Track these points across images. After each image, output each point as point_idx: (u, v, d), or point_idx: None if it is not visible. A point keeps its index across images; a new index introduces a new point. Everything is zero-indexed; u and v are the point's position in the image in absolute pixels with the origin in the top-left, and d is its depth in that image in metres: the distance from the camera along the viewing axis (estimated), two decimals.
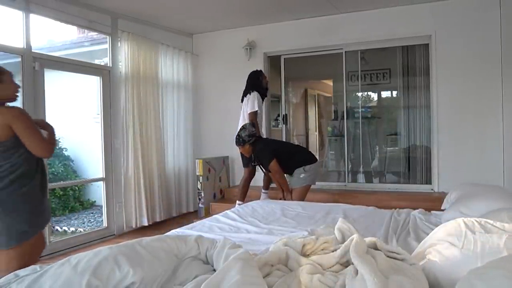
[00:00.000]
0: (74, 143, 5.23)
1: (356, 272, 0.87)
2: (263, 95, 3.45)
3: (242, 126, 2.99)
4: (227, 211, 2.07)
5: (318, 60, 4.41)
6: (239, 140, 2.88)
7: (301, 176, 2.82)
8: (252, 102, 3.31)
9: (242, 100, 3.47)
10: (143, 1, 3.31)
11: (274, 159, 2.77)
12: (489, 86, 3.34)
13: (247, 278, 0.82)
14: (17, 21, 2.79)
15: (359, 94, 4.68)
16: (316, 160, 2.96)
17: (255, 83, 3.43)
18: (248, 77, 3.50)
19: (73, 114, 5.08)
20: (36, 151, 1.58)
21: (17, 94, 1.65)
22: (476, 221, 0.99)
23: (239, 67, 4.27)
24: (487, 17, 3.32)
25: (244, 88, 3.52)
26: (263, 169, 3.05)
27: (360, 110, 4.50)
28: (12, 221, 1.55)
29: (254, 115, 3.31)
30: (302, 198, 2.82)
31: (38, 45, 3.28)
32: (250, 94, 3.37)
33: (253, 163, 3.10)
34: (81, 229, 4.30)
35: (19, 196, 1.55)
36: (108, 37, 3.53)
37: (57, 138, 1.77)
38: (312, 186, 2.95)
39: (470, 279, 0.73)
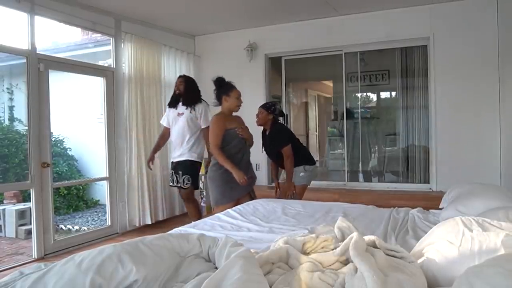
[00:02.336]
0: (78, 143, 5.27)
1: (356, 270, 0.87)
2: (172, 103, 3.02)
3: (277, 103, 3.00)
4: (229, 210, 2.08)
5: (318, 61, 4.44)
6: (271, 108, 2.81)
7: (300, 175, 2.82)
8: None
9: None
10: (146, 3, 3.34)
11: (290, 144, 2.76)
12: (486, 86, 3.37)
13: (248, 275, 0.83)
14: (22, 23, 2.83)
15: (359, 94, 4.70)
16: (315, 162, 2.99)
17: None
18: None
19: (77, 115, 5.12)
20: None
21: (238, 108, 2.52)
22: (474, 220, 1.00)
23: (240, 68, 4.30)
24: (484, 19, 3.34)
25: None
26: (268, 152, 2.94)
27: (359, 111, 4.52)
28: (213, 191, 2.46)
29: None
30: (301, 197, 2.82)
31: (43, 47, 3.32)
32: None
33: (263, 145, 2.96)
34: (85, 228, 4.34)
35: (218, 175, 2.42)
36: (111, 38, 3.56)
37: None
38: (313, 185, 2.96)
39: (467, 277, 0.74)
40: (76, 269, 0.90)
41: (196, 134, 2.97)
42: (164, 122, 3.13)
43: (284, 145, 2.74)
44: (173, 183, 3.02)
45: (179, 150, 2.96)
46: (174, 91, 3.04)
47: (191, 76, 3.18)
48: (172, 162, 3.05)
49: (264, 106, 2.87)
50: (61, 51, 4.78)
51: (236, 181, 2.36)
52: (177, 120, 2.95)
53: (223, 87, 2.47)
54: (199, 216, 2.93)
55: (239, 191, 2.46)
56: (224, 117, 2.48)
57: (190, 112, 2.92)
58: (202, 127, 2.93)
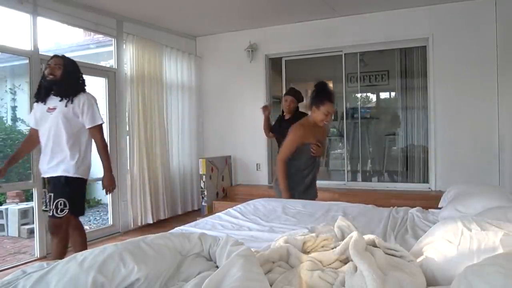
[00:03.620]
0: None
1: (356, 268, 0.88)
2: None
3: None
4: (230, 209, 2.09)
5: (318, 62, 4.46)
6: (300, 96, 2.88)
7: None
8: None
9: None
10: (147, 4, 3.36)
11: None
12: (484, 87, 3.39)
13: (249, 274, 0.83)
14: (25, 24, 2.85)
15: (358, 95, 4.72)
16: None
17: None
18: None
19: None
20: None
21: (322, 124, 2.25)
22: (473, 219, 1.00)
23: (241, 69, 4.34)
24: (483, 20, 3.36)
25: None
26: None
27: (359, 111, 4.54)
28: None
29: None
30: None
31: (45, 48, 3.34)
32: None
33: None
34: (87, 227, 4.36)
35: (278, 190, 2.37)
36: (113, 39, 3.59)
37: None
38: None
39: (466, 275, 0.74)
40: (78, 268, 0.90)
41: (77, 138, 2.09)
42: (31, 122, 2.19)
43: None
44: (46, 207, 2.13)
45: (50, 161, 2.06)
46: (44, 77, 2.11)
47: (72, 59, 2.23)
48: (43, 178, 2.17)
49: (295, 95, 2.91)
50: (63, 52, 4.77)
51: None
52: (47, 118, 2.06)
53: (318, 97, 2.22)
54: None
55: None
56: (304, 129, 2.25)
57: (66, 106, 2.04)
58: (87, 127, 2.10)
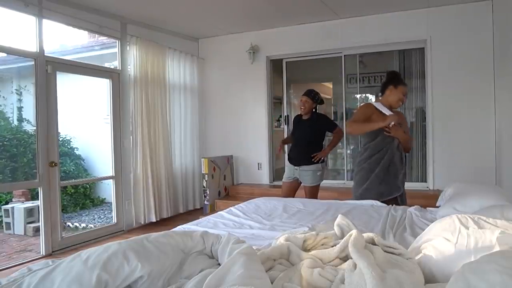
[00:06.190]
0: (85, 143, 5.35)
1: (355, 266, 0.89)
2: None
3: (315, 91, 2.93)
4: (231, 208, 2.10)
5: (318, 63, 4.47)
6: (315, 97, 2.88)
7: (318, 174, 2.82)
8: None
9: None
10: (151, 7, 3.39)
11: None
12: (482, 88, 3.39)
13: (250, 271, 0.84)
14: (31, 26, 2.89)
15: (358, 96, 4.72)
16: None
17: None
18: None
19: (84, 115, 5.20)
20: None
21: (398, 104, 2.17)
22: (470, 217, 1.02)
23: (243, 70, 4.37)
24: (480, 22, 3.36)
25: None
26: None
27: None
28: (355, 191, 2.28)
29: None
30: (317, 196, 2.83)
31: (51, 49, 3.39)
32: None
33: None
34: (92, 225, 4.41)
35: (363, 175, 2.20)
36: (117, 41, 3.62)
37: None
38: None
39: (463, 273, 0.75)
40: (83, 265, 0.91)
41: None
42: None
43: (337, 125, 2.88)
44: None
45: None
46: None
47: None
48: None
49: (309, 95, 2.88)
50: (68, 54, 4.86)
51: (379, 184, 2.11)
52: None
53: (394, 79, 2.19)
54: None
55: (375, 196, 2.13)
56: (374, 107, 2.15)
57: None
58: None
